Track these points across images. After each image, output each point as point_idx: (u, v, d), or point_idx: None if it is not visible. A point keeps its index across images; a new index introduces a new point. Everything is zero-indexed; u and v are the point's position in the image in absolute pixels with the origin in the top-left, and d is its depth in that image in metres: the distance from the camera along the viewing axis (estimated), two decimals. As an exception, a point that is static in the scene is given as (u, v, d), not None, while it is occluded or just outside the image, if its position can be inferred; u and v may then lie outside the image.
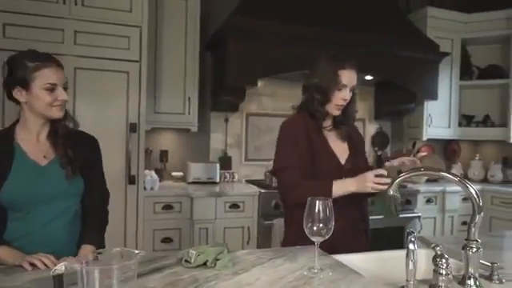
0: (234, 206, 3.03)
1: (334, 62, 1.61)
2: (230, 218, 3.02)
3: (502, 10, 3.87)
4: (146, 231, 2.80)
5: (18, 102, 1.39)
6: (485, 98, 4.16)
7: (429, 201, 3.63)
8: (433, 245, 1.10)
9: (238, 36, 3.06)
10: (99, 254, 0.93)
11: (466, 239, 1.11)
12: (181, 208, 2.94)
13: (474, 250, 1.09)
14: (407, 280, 1.06)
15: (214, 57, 3.54)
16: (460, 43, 4.05)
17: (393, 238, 3.21)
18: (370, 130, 4.19)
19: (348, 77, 1.61)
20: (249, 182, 3.54)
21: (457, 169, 4.17)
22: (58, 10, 2.49)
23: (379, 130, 4.24)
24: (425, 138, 4.01)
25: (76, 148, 1.43)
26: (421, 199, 3.58)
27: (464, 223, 3.69)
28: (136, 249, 0.99)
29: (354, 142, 1.75)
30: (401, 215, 3.35)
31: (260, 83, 3.45)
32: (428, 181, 3.82)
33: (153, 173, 3.01)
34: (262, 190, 3.11)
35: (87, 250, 1.38)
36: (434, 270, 1.08)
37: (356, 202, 1.67)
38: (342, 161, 1.67)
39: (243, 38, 3.06)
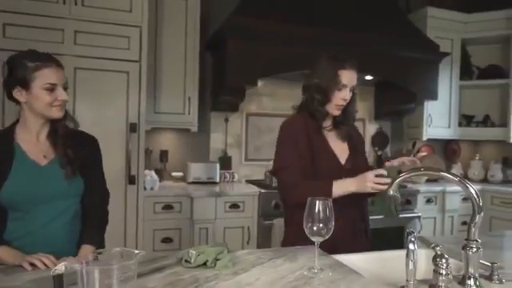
0: (234, 205, 3.03)
1: (334, 62, 1.61)
2: (230, 218, 3.02)
3: (502, 10, 3.88)
4: (146, 231, 2.80)
5: (17, 102, 1.39)
6: (485, 98, 4.16)
7: (429, 201, 3.63)
8: (433, 245, 1.10)
9: (238, 36, 3.06)
10: (99, 254, 0.93)
11: (466, 239, 1.11)
12: (181, 208, 2.94)
13: (474, 249, 1.09)
14: (407, 280, 1.06)
15: (213, 57, 3.54)
16: (460, 43, 4.05)
17: (393, 238, 3.21)
18: (369, 130, 4.19)
19: (348, 77, 1.61)
20: (249, 181, 3.54)
21: (457, 169, 4.18)
22: (58, 10, 2.49)
23: (379, 129, 4.24)
24: (425, 138, 4.01)
25: (76, 148, 1.43)
26: (421, 199, 3.58)
27: (464, 223, 3.69)
28: (136, 249, 0.99)
29: (354, 142, 1.75)
30: (401, 215, 3.35)
31: (260, 83, 3.45)
32: (428, 181, 3.82)
33: (153, 173, 3.01)
34: (262, 190, 3.11)
35: (87, 250, 1.38)
36: (434, 270, 1.08)
37: (356, 202, 1.67)
38: (342, 161, 1.67)
39: (243, 38, 3.06)
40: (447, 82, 4.00)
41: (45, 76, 1.34)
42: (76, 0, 2.52)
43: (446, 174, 1.21)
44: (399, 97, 3.88)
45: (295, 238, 1.48)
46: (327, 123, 1.70)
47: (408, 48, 3.54)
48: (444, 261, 1.07)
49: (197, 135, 3.46)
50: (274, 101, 3.78)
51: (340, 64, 1.60)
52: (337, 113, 1.66)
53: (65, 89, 1.40)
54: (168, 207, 2.91)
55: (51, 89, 1.35)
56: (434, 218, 3.66)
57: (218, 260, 1.20)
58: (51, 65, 1.35)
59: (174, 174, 3.41)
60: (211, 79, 3.56)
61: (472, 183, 1.14)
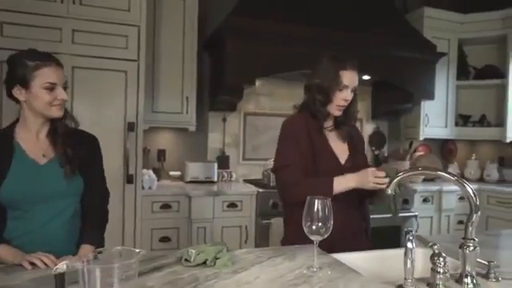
0: (232, 205, 3.03)
1: (335, 63, 1.61)
2: (227, 218, 3.02)
3: (498, 11, 3.89)
4: (144, 230, 2.80)
5: (17, 101, 1.39)
6: (481, 97, 4.18)
7: (425, 200, 3.64)
8: (430, 243, 1.11)
9: (236, 36, 3.06)
10: (99, 253, 0.93)
11: (464, 238, 1.12)
12: (179, 207, 2.94)
13: (471, 248, 1.10)
14: (405, 278, 1.07)
15: (211, 56, 3.54)
16: (457, 43, 4.07)
17: (389, 237, 3.23)
18: (367, 129, 4.20)
19: (349, 77, 1.61)
20: (246, 181, 3.55)
21: (453, 168, 4.20)
22: (56, 9, 2.48)
23: (376, 129, 4.26)
24: (422, 138, 4.03)
25: (75, 147, 1.43)
26: (417, 199, 3.59)
27: (460, 222, 3.71)
28: (134, 248, 0.99)
29: (355, 142, 1.76)
30: (398, 214, 3.36)
31: (258, 83, 3.45)
32: (425, 180, 3.84)
33: (151, 172, 3.01)
34: (260, 190, 3.11)
35: (87, 249, 1.38)
36: (431, 269, 1.09)
37: (356, 202, 1.68)
38: (342, 161, 1.68)
39: (241, 38, 3.07)
40: (444, 81, 4.02)
41: (44, 75, 1.34)
42: (74, -1, 2.52)
43: (443, 173, 1.22)
44: (396, 97, 3.90)
45: (294, 237, 1.49)
46: (328, 123, 1.70)
47: (405, 48, 3.56)
48: (442, 259, 1.08)
49: (195, 134, 3.46)
50: (271, 100, 3.78)
51: (341, 64, 1.60)
52: (338, 113, 1.66)
53: (64, 88, 1.40)
54: (166, 206, 2.91)
55: (51, 88, 1.35)
56: (431, 218, 3.68)
57: (217, 259, 1.21)
58: (51, 64, 1.36)
59: (171, 173, 3.41)
60: (209, 79, 3.56)
61: (468, 183, 1.15)
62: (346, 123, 1.72)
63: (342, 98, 1.61)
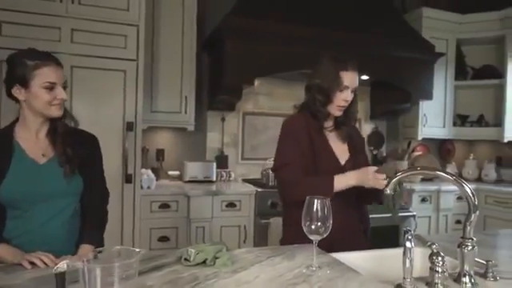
0: (231, 204, 3.04)
1: (336, 63, 1.61)
2: (226, 217, 3.03)
3: (496, 11, 3.91)
4: (143, 230, 2.80)
5: (17, 101, 1.39)
6: (479, 98, 4.20)
7: (424, 200, 3.66)
8: (429, 243, 1.11)
9: (235, 36, 3.06)
10: (99, 252, 0.94)
11: (462, 237, 1.13)
12: (177, 207, 2.94)
13: (470, 248, 1.11)
14: (404, 277, 1.08)
15: (210, 56, 3.54)
16: (455, 43, 4.08)
17: (388, 236, 3.24)
18: (365, 129, 4.21)
19: (350, 78, 1.61)
20: (245, 180, 3.55)
21: (451, 168, 4.21)
22: (55, 9, 2.48)
23: (375, 129, 4.27)
24: (420, 138, 4.04)
25: (75, 146, 1.43)
26: (416, 198, 3.61)
27: (458, 222, 3.73)
28: (133, 247, 1.00)
29: (354, 142, 1.76)
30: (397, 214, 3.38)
31: (257, 82, 3.46)
32: (423, 180, 3.85)
33: (149, 172, 3.01)
34: (259, 189, 3.12)
35: (86, 249, 1.38)
36: (430, 268, 1.10)
37: (355, 203, 1.69)
38: (342, 161, 1.68)
39: (240, 38, 3.07)
40: (442, 82, 4.03)
41: (44, 74, 1.34)
42: (73, -2, 2.52)
43: (442, 173, 1.22)
44: (395, 96, 3.91)
45: (293, 237, 1.49)
46: (328, 124, 1.71)
47: (403, 48, 3.57)
48: (440, 259, 1.08)
49: (193, 134, 3.46)
50: (270, 100, 3.79)
51: (342, 65, 1.61)
52: (338, 113, 1.67)
53: (64, 88, 1.40)
54: (165, 206, 2.91)
55: (50, 87, 1.35)
56: (429, 217, 3.69)
57: (217, 258, 1.21)
58: (51, 63, 1.36)
59: (170, 172, 3.42)
60: (208, 78, 3.56)
61: (466, 182, 1.15)
62: (346, 123, 1.72)
63: (342, 98, 1.62)
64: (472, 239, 1.11)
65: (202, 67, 3.48)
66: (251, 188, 3.17)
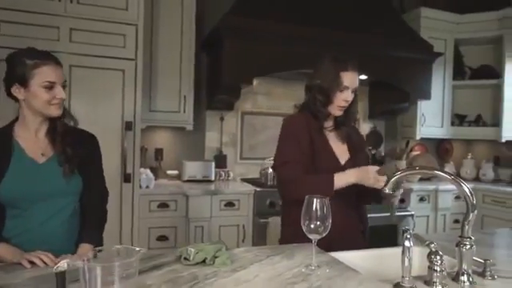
0: (230, 204, 3.04)
1: (336, 64, 1.62)
2: (225, 217, 3.03)
3: (494, 11, 3.92)
4: (142, 229, 2.80)
5: (16, 100, 1.39)
6: (477, 97, 4.21)
7: (422, 199, 3.67)
8: (427, 242, 1.12)
9: (234, 35, 3.06)
10: (99, 251, 0.94)
11: (460, 236, 1.13)
12: (176, 206, 2.94)
13: (468, 246, 1.12)
14: (403, 276, 1.08)
15: (209, 56, 3.54)
16: (453, 43, 4.09)
17: (386, 236, 3.24)
18: (364, 129, 4.21)
19: (350, 78, 1.62)
20: (244, 180, 3.56)
21: (449, 168, 4.22)
22: (54, 8, 2.48)
23: (373, 129, 4.28)
24: (418, 137, 4.06)
25: (75, 146, 1.43)
26: (414, 198, 3.62)
27: (456, 221, 3.74)
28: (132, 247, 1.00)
29: (354, 142, 1.76)
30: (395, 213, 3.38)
31: (255, 82, 3.46)
32: (421, 179, 3.87)
33: (148, 171, 3.01)
34: (257, 189, 3.12)
35: (85, 248, 1.38)
36: (428, 267, 1.11)
37: (355, 204, 1.69)
38: (342, 161, 1.68)
39: (239, 38, 3.07)
40: (440, 81, 4.04)
41: (43, 74, 1.34)
42: (72, -3, 2.51)
43: (440, 172, 1.23)
44: (393, 96, 3.92)
45: (292, 236, 1.49)
46: (329, 123, 1.71)
47: (402, 48, 3.57)
48: (438, 257, 1.09)
49: (192, 134, 3.46)
50: (269, 100, 3.79)
51: (342, 65, 1.61)
52: (339, 113, 1.67)
53: (63, 87, 1.40)
54: (163, 205, 2.91)
55: (50, 87, 1.35)
56: (427, 217, 3.70)
57: (216, 257, 1.21)
58: (50, 63, 1.36)
59: (169, 172, 3.42)
60: (206, 78, 3.56)
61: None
62: (345, 123, 1.72)
63: (342, 98, 1.62)
64: (470, 238, 1.12)
65: (200, 67, 3.48)
66: (250, 187, 3.17)
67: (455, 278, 1.14)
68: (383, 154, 4.25)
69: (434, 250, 1.10)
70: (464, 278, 1.12)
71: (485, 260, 1.20)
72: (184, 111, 3.21)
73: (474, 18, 4.02)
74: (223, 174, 3.50)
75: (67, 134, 1.43)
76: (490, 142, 4.19)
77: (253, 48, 3.09)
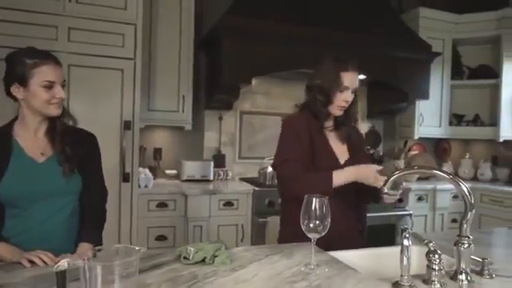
0: (228, 203, 3.04)
1: (336, 64, 1.62)
2: (224, 216, 3.03)
3: (492, 11, 3.93)
4: (140, 229, 2.80)
5: (15, 99, 1.39)
6: (475, 97, 4.22)
7: (420, 199, 3.68)
8: (426, 241, 1.13)
9: (232, 35, 3.06)
10: (98, 251, 0.94)
11: (458, 235, 1.14)
12: (175, 206, 2.94)
13: (466, 245, 1.12)
14: (401, 275, 1.09)
15: (208, 55, 3.54)
16: (451, 43, 4.10)
17: (384, 235, 3.26)
18: (362, 128, 4.21)
19: (350, 79, 1.62)
20: (242, 179, 3.56)
21: (447, 167, 4.24)
22: (52, 7, 2.47)
23: (371, 128, 4.28)
24: (416, 137, 4.07)
25: (74, 145, 1.43)
26: (412, 197, 3.63)
27: (454, 220, 3.76)
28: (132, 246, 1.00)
29: (353, 142, 1.76)
30: (393, 213, 3.40)
31: (254, 81, 3.46)
32: (419, 179, 3.88)
33: (147, 170, 3.01)
34: (256, 188, 3.12)
35: (85, 248, 1.38)
36: (427, 266, 1.11)
37: (354, 204, 1.70)
38: (342, 161, 1.69)
39: (237, 37, 3.07)
40: (438, 81, 4.05)
41: (43, 73, 1.34)
42: (70, -3, 2.51)
43: (439, 172, 1.24)
44: (391, 96, 3.93)
45: (291, 236, 1.49)
46: (329, 123, 1.72)
47: (400, 48, 3.58)
48: (437, 256, 1.10)
49: (191, 133, 3.46)
50: (268, 99, 3.80)
51: (342, 66, 1.62)
52: (339, 113, 1.67)
53: (63, 86, 1.40)
54: (162, 205, 2.91)
55: (49, 86, 1.35)
56: (425, 216, 3.71)
57: (215, 257, 1.22)
58: (50, 62, 1.36)
59: (167, 171, 3.42)
60: (205, 77, 3.56)
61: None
62: (345, 123, 1.73)
63: (342, 99, 1.63)
64: (468, 237, 1.13)
65: (199, 66, 3.48)
66: (248, 187, 3.18)
67: (453, 276, 1.14)
68: (381, 153, 4.26)
69: (432, 248, 1.11)
70: (462, 276, 1.13)
71: (483, 259, 1.21)
72: (183, 111, 3.21)
73: (472, 17, 4.03)
74: (222, 173, 3.51)
75: (66, 134, 1.43)
76: (488, 141, 4.20)
77: (252, 48, 3.09)
